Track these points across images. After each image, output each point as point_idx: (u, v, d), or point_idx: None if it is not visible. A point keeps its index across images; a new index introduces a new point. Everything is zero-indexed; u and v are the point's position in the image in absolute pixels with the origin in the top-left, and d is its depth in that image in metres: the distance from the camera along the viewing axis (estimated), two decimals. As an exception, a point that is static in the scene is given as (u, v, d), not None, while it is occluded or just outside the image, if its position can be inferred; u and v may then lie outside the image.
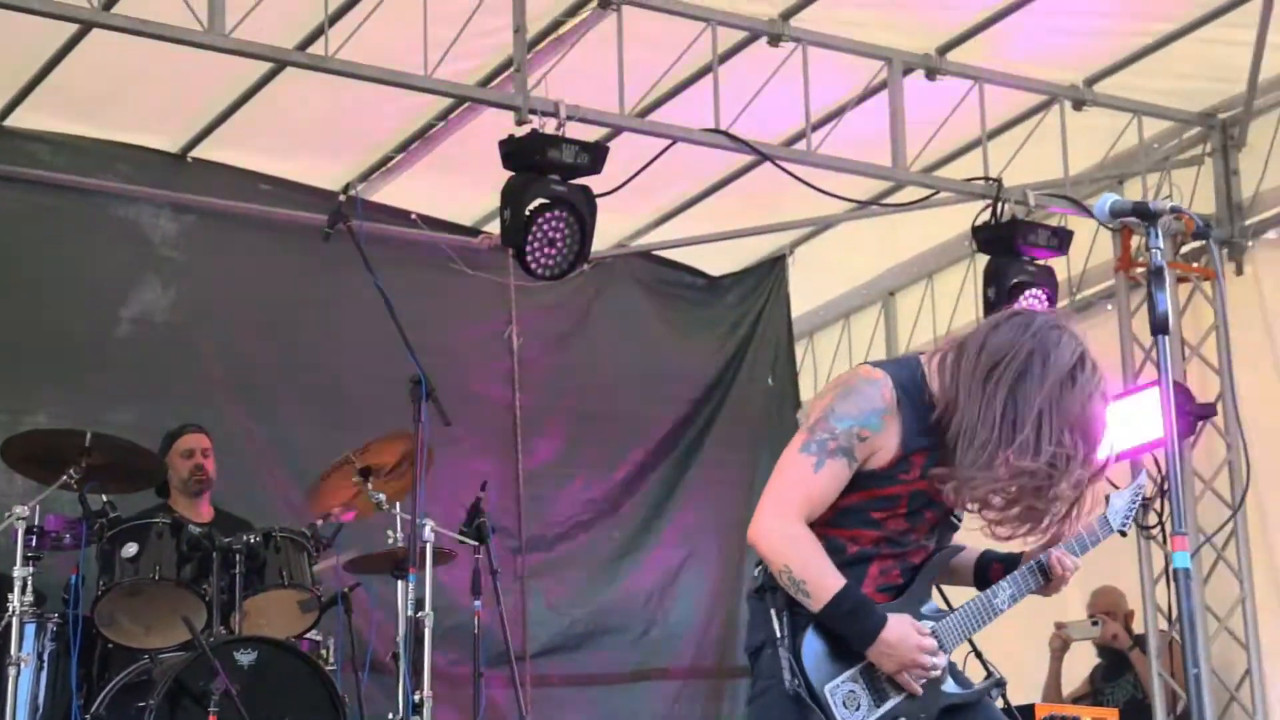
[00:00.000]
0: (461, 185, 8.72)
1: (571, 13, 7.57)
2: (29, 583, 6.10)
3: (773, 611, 3.58)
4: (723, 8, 7.53)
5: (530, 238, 7.19)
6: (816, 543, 3.56)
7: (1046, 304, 8.11)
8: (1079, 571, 3.90)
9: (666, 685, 9.24)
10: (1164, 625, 8.28)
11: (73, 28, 7.13)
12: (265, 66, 7.53)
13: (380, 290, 6.26)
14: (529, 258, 7.26)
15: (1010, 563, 3.84)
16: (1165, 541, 7.85)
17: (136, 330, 8.22)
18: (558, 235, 7.22)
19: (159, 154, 8.48)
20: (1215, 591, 8.49)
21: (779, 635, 3.56)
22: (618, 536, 9.28)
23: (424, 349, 6.44)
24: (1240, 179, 8.67)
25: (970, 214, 8.34)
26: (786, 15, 7.65)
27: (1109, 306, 9.10)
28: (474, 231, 9.09)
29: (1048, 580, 3.82)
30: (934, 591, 3.76)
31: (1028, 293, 8.13)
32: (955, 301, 9.70)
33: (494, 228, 8.11)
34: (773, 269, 9.94)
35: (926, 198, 8.45)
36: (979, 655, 3.90)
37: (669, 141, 7.71)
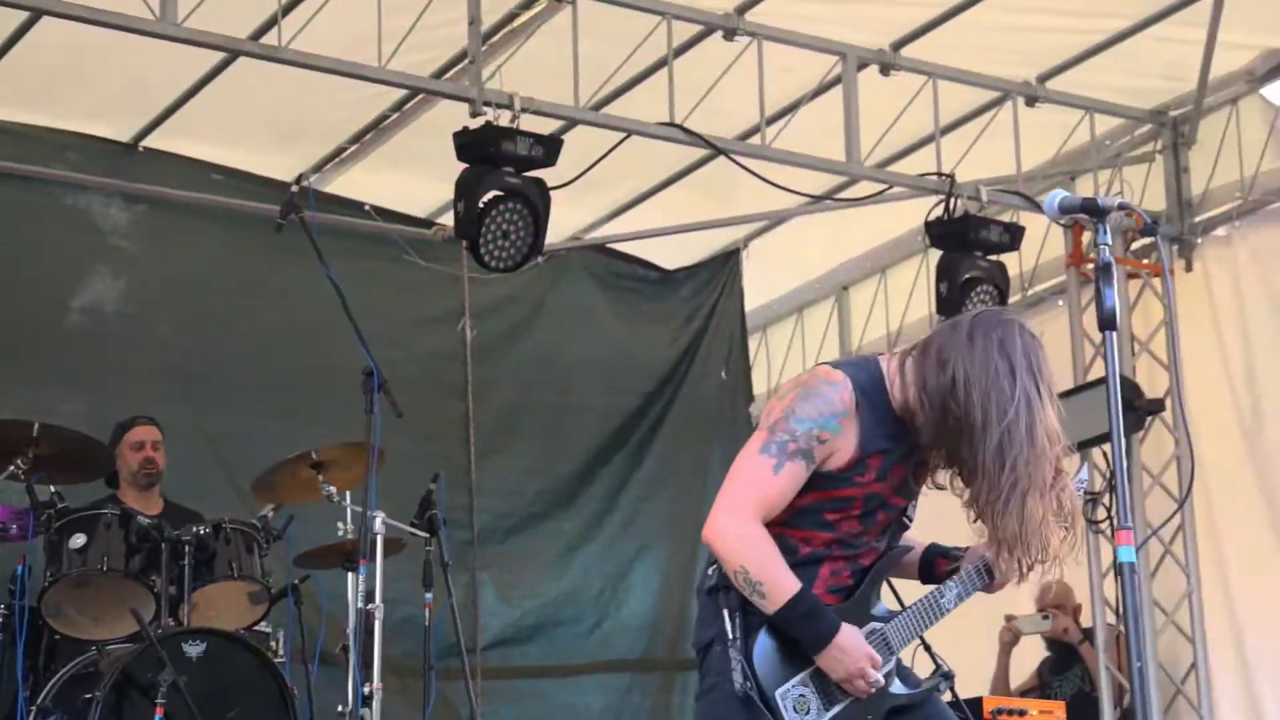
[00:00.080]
0: (415, 177, 8.71)
1: (526, 5, 7.57)
2: (-25, 574, 6.08)
3: (725, 612, 3.58)
4: (678, 1, 7.54)
5: (484, 230, 7.19)
6: (773, 544, 3.56)
7: (997, 300, 8.17)
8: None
9: (618, 677, 9.26)
10: (1112, 619, 8.33)
11: (23, 15, 7.08)
12: (218, 56, 7.50)
13: (333, 282, 6.23)
14: (482, 250, 7.25)
15: (954, 557, 3.86)
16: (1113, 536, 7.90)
17: (87, 320, 8.17)
18: (511, 227, 7.21)
19: (110, 143, 8.43)
20: (1163, 586, 8.56)
21: (731, 637, 3.56)
22: (570, 529, 9.29)
23: (377, 341, 6.41)
24: (1190, 176, 8.73)
25: (923, 209, 8.38)
26: (742, 10, 7.67)
27: (1060, 302, 9.15)
28: (428, 223, 9.07)
29: (992, 579, 3.84)
30: (884, 591, 3.77)
31: (979, 288, 8.18)
32: (908, 296, 9.75)
33: (448, 219, 8.11)
34: (727, 263, 9.96)
35: (880, 192, 8.47)
36: (928, 648, 3.92)
37: (624, 135, 7.72)
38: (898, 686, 3.70)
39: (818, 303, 10.48)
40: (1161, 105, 8.69)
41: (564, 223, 8.79)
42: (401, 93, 8.02)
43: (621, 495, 9.44)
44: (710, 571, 3.66)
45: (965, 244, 8.18)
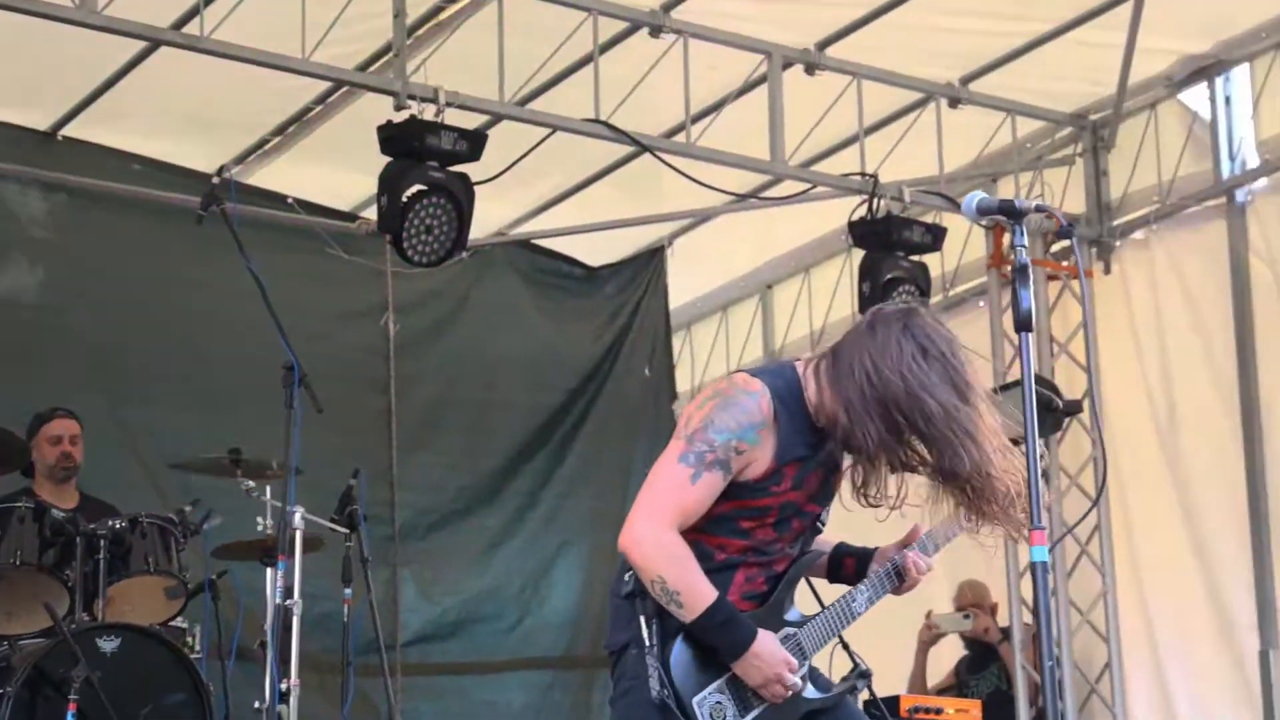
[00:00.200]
0: (339, 170, 8.66)
1: (452, -1, 7.55)
2: (-116, 568, 5.99)
3: (641, 618, 3.59)
4: (605, -3, 7.55)
5: (407, 224, 7.17)
6: (690, 553, 3.56)
7: (919, 299, 8.22)
8: (948, 564, 3.94)
9: (539, 674, 9.25)
10: (1028, 618, 8.41)
11: (-61, 1, 6.98)
12: (139, 45, 7.42)
13: (254, 274, 6.18)
14: (406, 244, 7.23)
15: (862, 557, 3.88)
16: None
17: (3, 311, 8.07)
18: (435, 222, 7.19)
19: (28, 131, 8.33)
20: (1079, 586, 8.65)
21: (648, 643, 3.56)
22: (492, 525, 9.26)
23: (299, 334, 6.37)
24: (1109, 179, 8.83)
25: (847, 209, 8.43)
26: (668, 7, 7.68)
27: (981, 303, 9.23)
28: (351, 217, 9.02)
29: (902, 581, 3.86)
30: (798, 596, 3.78)
31: (901, 288, 8.23)
32: (832, 295, 9.80)
33: (372, 213, 8.07)
34: (651, 260, 9.96)
35: (804, 192, 8.51)
36: (846, 648, 3.94)
37: (549, 130, 7.71)
38: (811, 691, 3.72)
39: (742, 301, 10.51)
40: (1082, 109, 8.78)
41: (488, 218, 8.77)
42: (325, 85, 7.97)
43: (544, 492, 9.43)
44: (626, 577, 3.65)
45: (888, 244, 8.23)
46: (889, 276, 8.20)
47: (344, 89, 7.99)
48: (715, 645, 3.58)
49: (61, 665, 5.76)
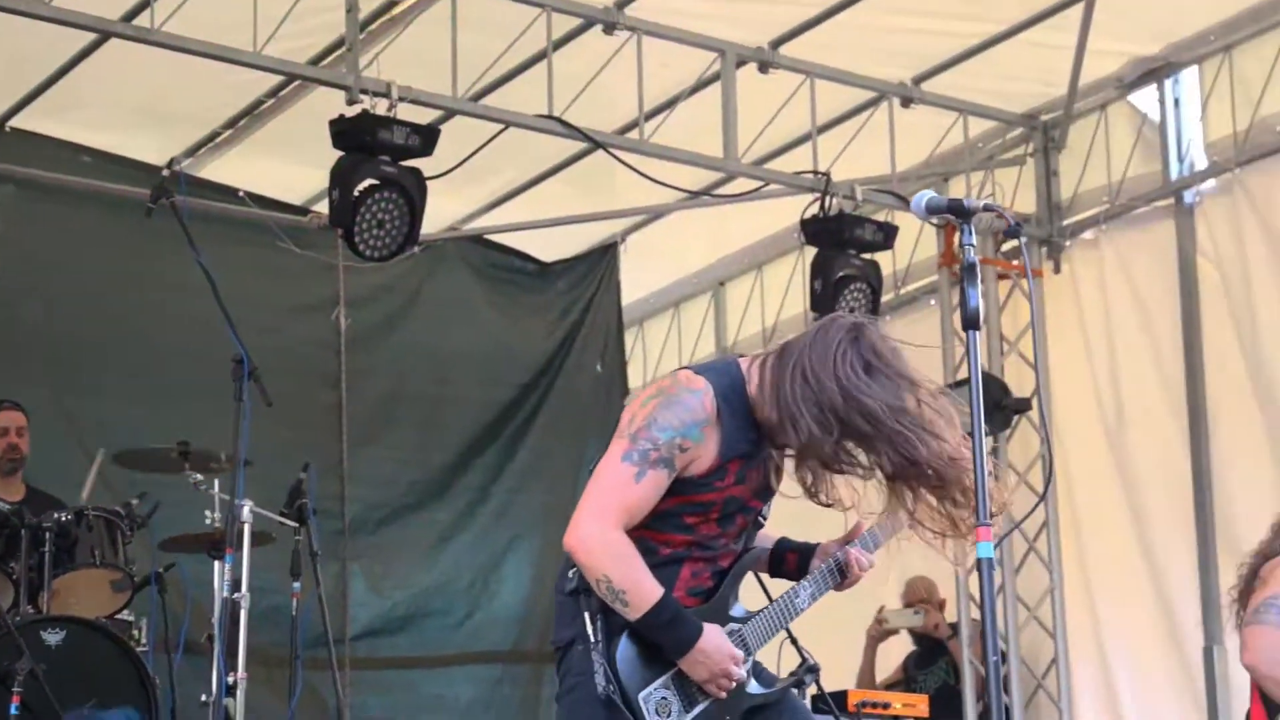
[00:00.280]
0: (291, 164, 8.63)
1: (406, -7, 7.54)
2: None
3: (586, 615, 3.60)
4: (559, -7, 7.55)
5: (359, 218, 7.16)
6: (635, 551, 3.57)
7: (870, 298, 8.26)
8: (898, 561, 3.96)
9: (488, 668, 9.25)
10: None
11: (-114, -11, 6.93)
12: (89, 36, 7.38)
13: (203, 268, 6.17)
14: (357, 238, 7.22)
15: (803, 552, 3.90)
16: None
17: (-50, 303, 8.02)
18: (387, 217, 7.19)
19: (-24, 123, 8.28)
20: (1026, 582, 8.70)
21: (593, 639, 3.58)
22: (443, 520, 9.26)
23: (249, 328, 6.36)
24: (1060, 180, 8.88)
25: (799, 207, 8.46)
26: (621, 4, 7.69)
27: (932, 301, 9.27)
28: (303, 211, 8.99)
29: (845, 578, 3.88)
30: (742, 592, 3.80)
31: (853, 286, 8.27)
32: (784, 293, 9.83)
33: (323, 207, 8.05)
34: (604, 256, 9.97)
35: (757, 189, 8.53)
36: (795, 642, 3.96)
37: (502, 126, 7.70)
38: (754, 686, 3.74)
39: (694, 298, 10.53)
40: (1033, 109, 8.83)
41: (441, 213, 8.75)
42: (277, 79, 7.94)
43: (495, 487, 9.43)
44: (571, 574, 3.66)
45: (840, 242, 8.26)
46: (841, 274, 8.24)
47: (296, 83, 7.96)
48: (661, 642, 3.60)
49: (5, 658, 5.74)
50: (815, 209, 8.33)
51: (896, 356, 3.61)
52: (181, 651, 6.57)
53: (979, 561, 3.53)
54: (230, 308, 6.21)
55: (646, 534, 3.62)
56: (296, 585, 6.75)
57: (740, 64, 8.02)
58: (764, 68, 8.05)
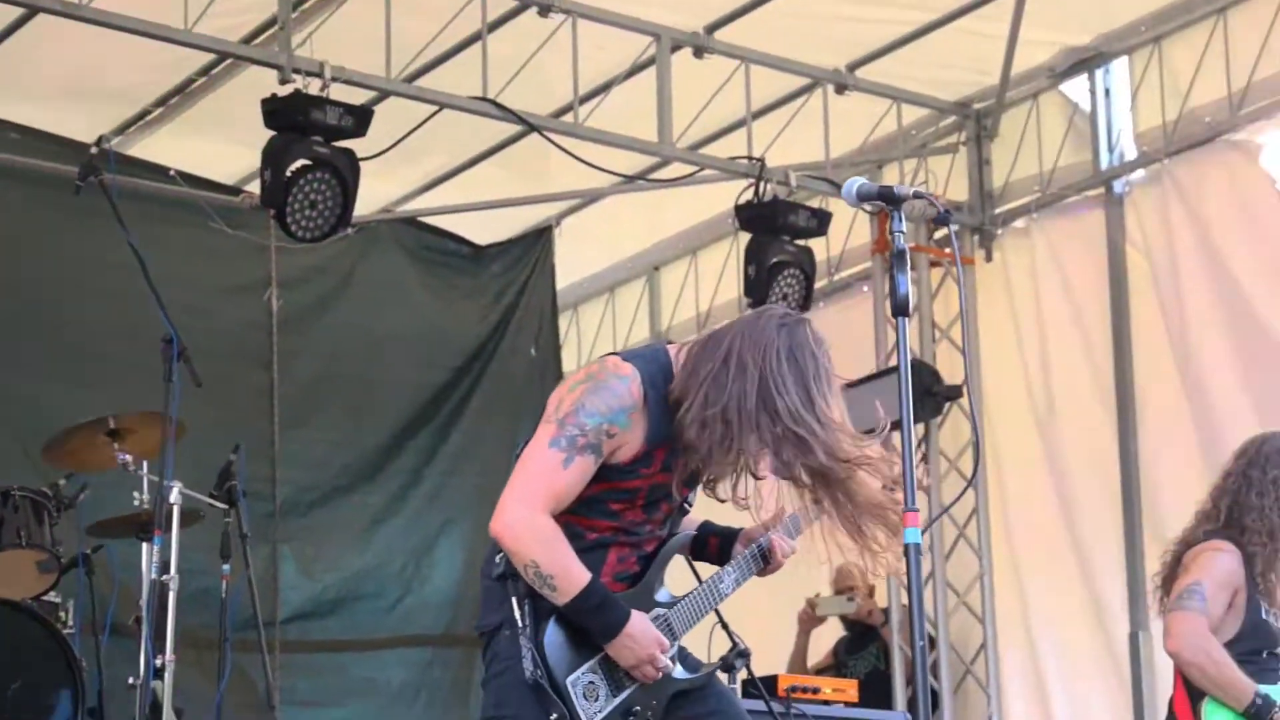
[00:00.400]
0: (223, 143, 8.56)
1: (339, -28, 7.49)
2: None
3: (514, 600, 3.60)
4: (494, -25, 7.53)
5: (291, 199, 7.13)
6: (562, 536, 3.58)
7: (804, 285, 8.29)
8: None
9: (420, 652, 9.22)
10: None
11: None
12: (15, 11, 7.29)
13: (133, 247, 6.12)
14: (289, 219, 7.18)
15: (726, 537, 3.92)
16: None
17: (-127, 282, 7.91)
18: (319, 197, 7.16)
19: (-99, 99, 8.16)
20: (956, 568, 8.77)
21: (521, 625, 3.58)
22: (375, 503, 9.22)
23: (180, 308, 6.31)
24: (992, 168, 8.94)
25: (734, 192, 8.47)
26: (557, -14, 7.68)
27: (865, 288, 9.32)
28: (235, 190, 8.91)
29: (767, 563, 3.90)
30: (675, 574, 3.81)
31: (787, 272, 8.29)
32: (718, 278, 9.85)
33: (256, 187, 7.98)
34: (539, 240, 9.95)
35: (691, 174, 8.54)
36: (725, 627, 3.98)
37: (436, 108, 7.67)
38: (680, 671, 3.76)
39: (629, 282, 10.54)
40: (966, 98, 8.88)
41: (374, 195, 8.71)
42: (209, 57, 7.88)
43: (428, 470, 9.40)
44: (498, 559, 3.66)
45: (774, 228, 8.28)
46: (775, 260, 8.26)
47: (228, 61, 7.89)
48: (589, 627, 3.61)
49: (-71, 639, 5.68)
50: (750, 195, 8.35)
51: (818, 359, 3.62)
52: (109, 633, 6.51)
53: (906, 547, 3.56)
54: (161, 288, 6.16)
55: (572, 519, 3.63)
56: (226, 567, 6.71)
57: (675, 48, 8.02)
58: (699, 52, 8.06)
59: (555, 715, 3.57)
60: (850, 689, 7.09)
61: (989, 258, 8.97)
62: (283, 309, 8.90)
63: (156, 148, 8.62)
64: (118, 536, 6.71)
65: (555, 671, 3.59)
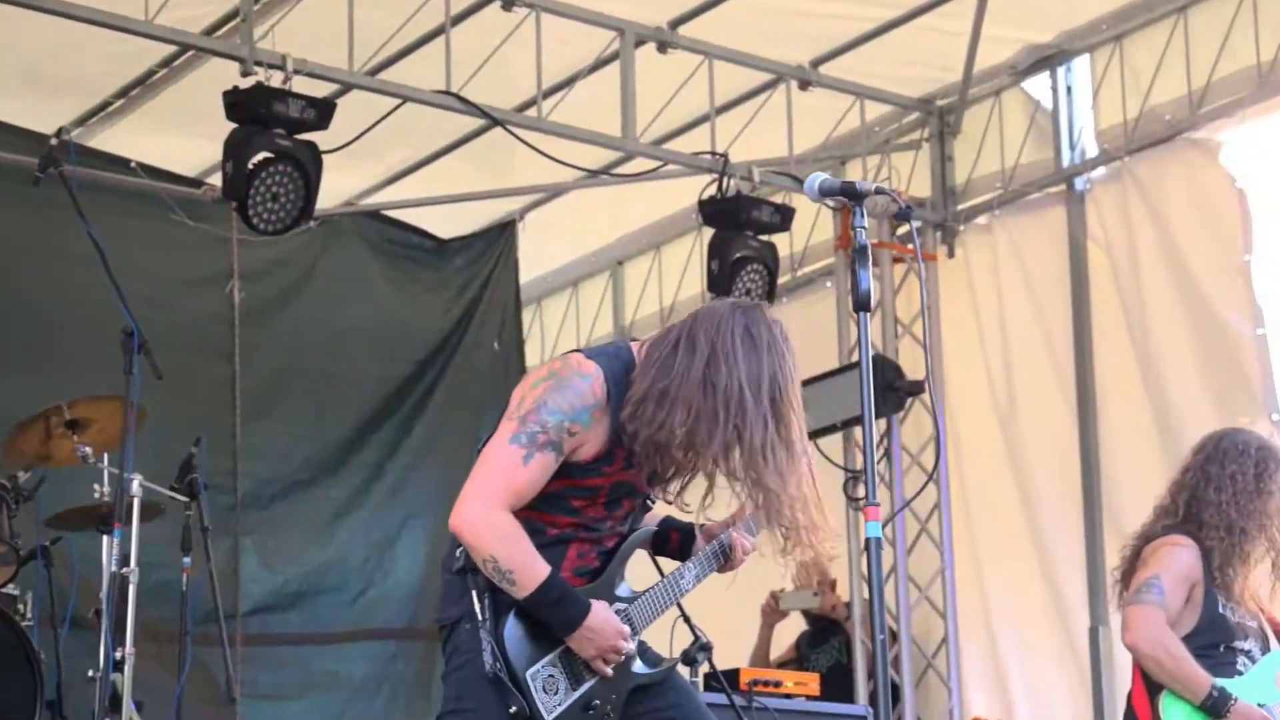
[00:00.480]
0: (184, 135, 8.52)
1: (302, -35, 7.46)
2: None
3: (474, 593, 3.61)
4: (457, -31, 7.51)
5: (253, 191, 7.10)
6: (522, 531, 3.58)
7: (767, 280, 8.30)
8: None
9: (382, 645, 9.20)
10: (868, 594, 8.53)
11: None
12: (-25, 2, 7.24)
13: (93, 239, 6.09)
14: (251, 212, 7.16)
15: (687, 532, 3.92)
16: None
17: None
18: (281, 190, 7.14)
19: None
20: (918, 562, 8.80)
21: (481, 618, 3.59)
22: (337, 496, 9.19)
23: (141, 300, 6.28)
24: (955, 165, 8.97)
25: (698, 187, 8.48)
26: (521, -20, 7.67)
27: (829, 284, 9.34)
28: (196, 183, 8.87)
29: (728, 559, 3.91)
30: (635, 569, 3.82)
31: (750, 267, 8.30)
32: (682, 273, 9.87)
33: (218, 180, 7.95)
34: (502, 234, 9.94)
35: (655, 169, 8.54)
36: (688, 620, 3.99)
37: (399, 101, 7.66)
38: (640, 666, 3.78)
39: (593, 277, 10.54)
40: (929, 95, 8.91)
41: (337, 188, 8.69)
42: (170, 48, 7.83)
43: (390, 463, 9.38)
44: (458, 553, 3.67)
45: (737, 223, 8.30)
46: (738, 255, 8.27)
47: (190, 53, 7.86)
48: (549, 621, 3.61)
49: (-114, 633, 5.64)
50: (713, 190, 8.36)
51: (778, 345, 3.62)
52: (68, 626, 6.48)
53: (867, 541, 3.58)
54: (121, 280, 6.13)
55: (533, 515, 3.63)
56: (187, 560, 6.69)
57: (639, 43, 8.02)
58: (663, 47, 8.06)
59: (515, 709, 3.58)
60: (812, 682, 7.11)
61: (951, 254, 9.00)
62: (245, 302, 8.87)
63: (117, 139, 8.58)
64: (77, 529, 6.68)
65: (515, 665, 3.59)
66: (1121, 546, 5.30)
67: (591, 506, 3.69)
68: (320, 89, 7.46)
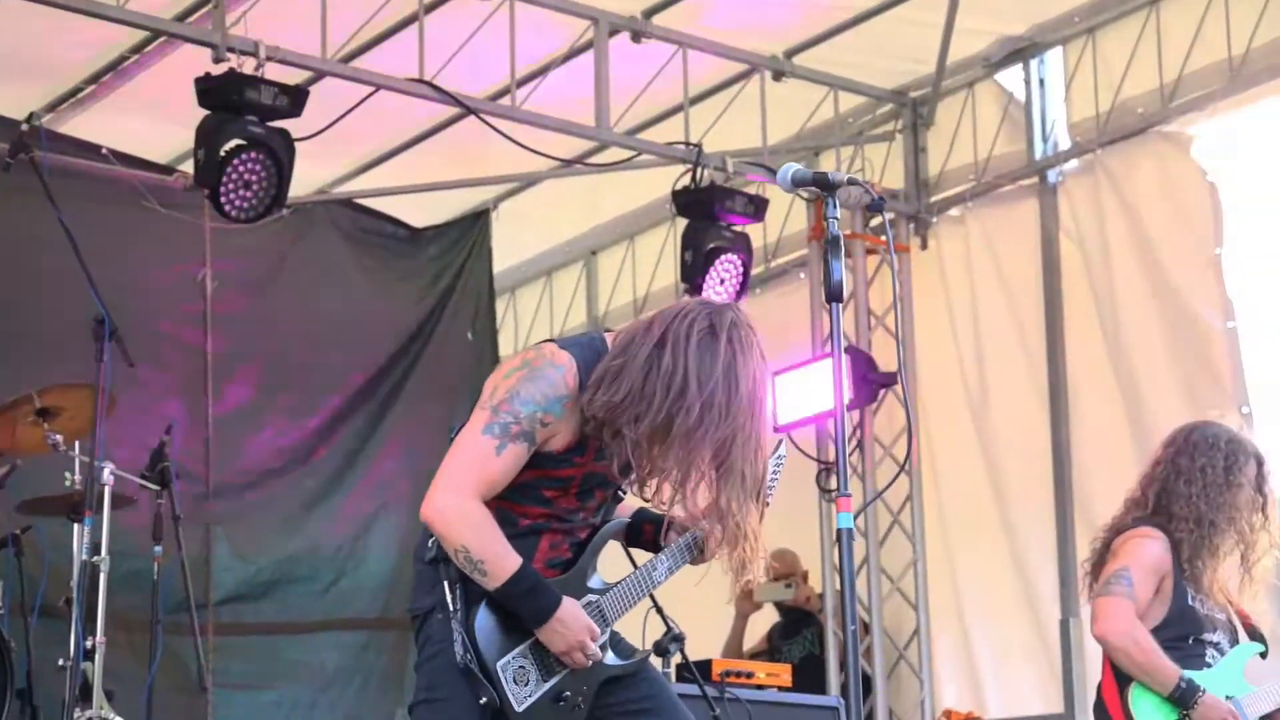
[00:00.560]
0: (156, 122, 8.47)
1: (275, -49, 7.43)
2: None
3: (446, 583, 3.60)
4: (431, -44, 7.49)
5: (225, 179, 7.08)
6: (493, 521, 3.59)
7: (740, 271, 8.30)
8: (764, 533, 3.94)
9: (354, 635, 9.19)
10: (840, 585, 8.55)
11: None
12: (-55, -13, 7.20)
13: (63, 225, 6.06)
14: (223, 199, 7.13)
15: (659, 523, 3.92)
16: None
17: None
18: (254, 178, 7.11)
19: None
20: (890, 554, 8.81)
21: (452, 609, 3.59)
22: (310, 485, 9.17)
23: (112, 288, 6.26)
24: (928, 156, 8.99)
25: (672, 177, 8.48)
26: (495, -32, 7.65)
27: (802, 275, 9.34)
28: (168, 170, 8.84)
29: (701, 552, 3.91)
30: (607, 560, 3.82)
31: (724, 258, 8.30)
32: (655, 263, 9.86)
33: (189, 167, 7.92)
34: (476, 223, 9.92)
35: (629, 159, 8.54)
36: (660, 611, 3.99)
37: (372, 89, 7.63)
38: (612, 658, 3.78)
39: (566, 267, 10.53)
40: (902, 86, 8.92)
41: (310, 176, 8.66)
42: (142, 34, 7.79)
43: (362, 453, 9.36)
44: (430, 543, 3.67)
45: (711, 214, 8.29)
46: (711, 246, 8.27)
47: (161, 39, 7.82)
48: (519, 612, 3.61)
49: None
50: (687, 180, 8.36)
51: (740, 345, 3.60)
52: (38, 614, 6.46)
53: (839, 532, 3.59)
54: (93, 267, 6.11)
55: (505, 505, 3.63)
56: (158, 549, 6.68)
57: (613, 32, 8.01)
58: (637, 37, 8.05)
59: (485, 699, 3.58)
60: (784, 674, 7.12)
61: (924, 245, 9.02)
62: (217, 290, 8.83)
63: (89, 125, 8.53)
64: (47, 516, 6.65)
65: (485, 655, 3.59)
66: (1092, 539, 5.33)
67: (564, 497, 3.69)
68: (293, 76, 7.44)
